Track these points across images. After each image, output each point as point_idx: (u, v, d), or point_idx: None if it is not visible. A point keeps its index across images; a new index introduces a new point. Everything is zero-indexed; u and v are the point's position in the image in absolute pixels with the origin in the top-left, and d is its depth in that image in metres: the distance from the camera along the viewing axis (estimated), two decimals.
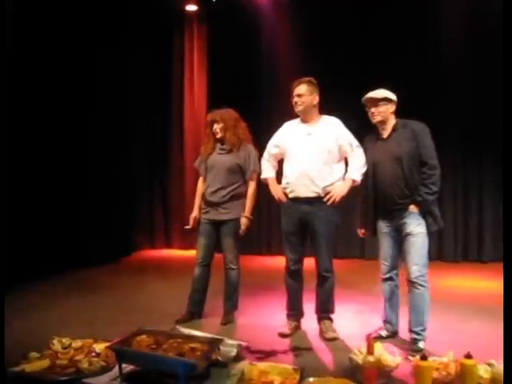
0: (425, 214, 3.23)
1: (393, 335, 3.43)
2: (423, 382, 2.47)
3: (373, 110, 3.34)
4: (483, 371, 2.52)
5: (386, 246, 3.41)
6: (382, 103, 3.31)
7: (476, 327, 3.73)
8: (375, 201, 3.38)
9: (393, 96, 3.35)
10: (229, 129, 3.84)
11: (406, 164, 3.22)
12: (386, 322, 3.48)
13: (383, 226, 3.39)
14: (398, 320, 3.47)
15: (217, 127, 3.85)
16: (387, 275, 3.44)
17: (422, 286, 3.20)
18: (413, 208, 3.23)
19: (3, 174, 3.21)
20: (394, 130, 3.33)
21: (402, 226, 3.27)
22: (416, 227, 3.22)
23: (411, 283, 3.22)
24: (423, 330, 3.22)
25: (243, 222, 3.80)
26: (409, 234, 3.24)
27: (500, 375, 2.38)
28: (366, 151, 3.49)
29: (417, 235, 3.22)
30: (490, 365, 2.56)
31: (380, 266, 3.47)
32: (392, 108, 3.34)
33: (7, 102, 3.42)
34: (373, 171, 3.38)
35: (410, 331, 3.26)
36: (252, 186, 3.87)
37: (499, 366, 2.44)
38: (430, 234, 3.25)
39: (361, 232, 3.63)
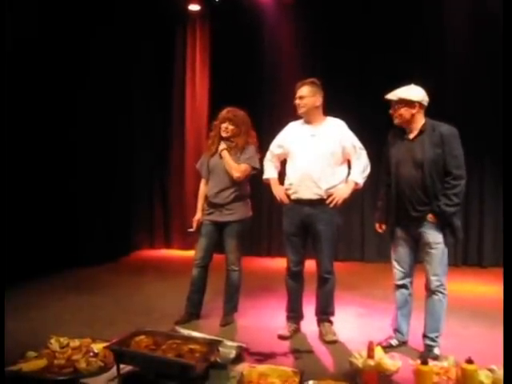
0: (443, 225, 3.10)
1: (403, 344, 3.34)
2: None
3: (391, 111, 3.18)
4: (484, 377, 2.50)
5: (401, 252, 3.28)
6: (401, 105, 3.11)
7: (476, 332, 3.72)
8: (396, 201, 3.21)
9: (415, 97, 3.11)
10: (241, 134, 3.81)
11: (427, 171, 3.05)
12: (396, 331, 3.37)
13: (400, 232, 3.26)
14: (408, 329, 3.37)
15: (228, 127, 3.80)
16: (401, 282, 3.31)
17: (441, 293, 3.14)
18: (431, 218, 3.09)
19: (3, 173, 3.20)
20: (421, 131, 3.13)
21: (420, 234, 3.15)
22: (435, 238, 3.10)
23: (431, 292, 3.15)
24: (438, 337, 3.17)
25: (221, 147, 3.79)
26: (427, 245, 3.13)
27: (501, 380, 2.37)
28: (388, 147, 3.30)
29: (436, 246, 3.10)
30: (490, 370, 2.53)
31: (393, 271, 3.35)
32: (414, 110, 3.11)
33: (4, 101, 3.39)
34: (395, 172, 3.21)
35: (425, 337, 3.20)
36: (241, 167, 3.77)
37: (500, 372, 2.43)
38: (445, 244, 3.13)
39: (379, 227, 3.43)
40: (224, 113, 3.85)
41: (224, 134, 3.82)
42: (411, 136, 3.19)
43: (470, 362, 2.48)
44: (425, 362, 2.52)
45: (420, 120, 3.17)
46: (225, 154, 3.78)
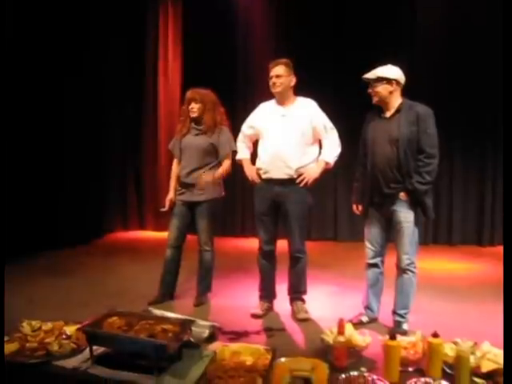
0: (415, 203, 3.17)
1: (373, 321, 3.43)
2: (392, 361, 2.52)
3: (369, 90, 3.23)
4: (449, 349, 2.59)
5: (374, 231, 3.35)
6: (379, 83, 3.18)
7: (443, 307, 3.83)
8: (371, 180, 3.28)
9: (392, 75, 3.19)
10: (207, 111, 3.79)
11: (401, 148, 3.11)
12: (367, 308, 3.45)
13: (373, 211, 3.32)
14: (379, 306, 3.46)
15: (194, 106, 3.78)
16: (372, 261, 3.39)
17: (411, 271, 3.22)
18: (402, 196, 3.15)
19: None
20: (398, 110, 3.20)
21: (392, 213, 3.21)
22: (406, 216, 3.16)
23: (401, 270, 3.23)
24: (407, 313, 3.26)
25: (205, 177, 3.75)
26: (399, 223, 3.19)
27: (464, 352, 2.45)
28: (365, 128, 3.35)
29: (406, 224, 3.16)
30: (455, 343, 2.62)
31: (365, 250, 3.42)
32: (391, 88, 3.18)
33: None
34: (371, 150, 3.27)
35: (394, 313, 3.29)
36: (226, 163, 3.82)
37: (463, 344, 2.51)
38: (416, 223, 3.19)
39: (357, 209, 3.49)
40: (188, 94, 3.85)
41: (193, 115, 3.80)
42: (388, 114, 3.25)
43: (435, 335, 2.56)
44: (393, 337, 2.58)
45: (397, 99, 3.23)
46: (213, 176, 3.77)
